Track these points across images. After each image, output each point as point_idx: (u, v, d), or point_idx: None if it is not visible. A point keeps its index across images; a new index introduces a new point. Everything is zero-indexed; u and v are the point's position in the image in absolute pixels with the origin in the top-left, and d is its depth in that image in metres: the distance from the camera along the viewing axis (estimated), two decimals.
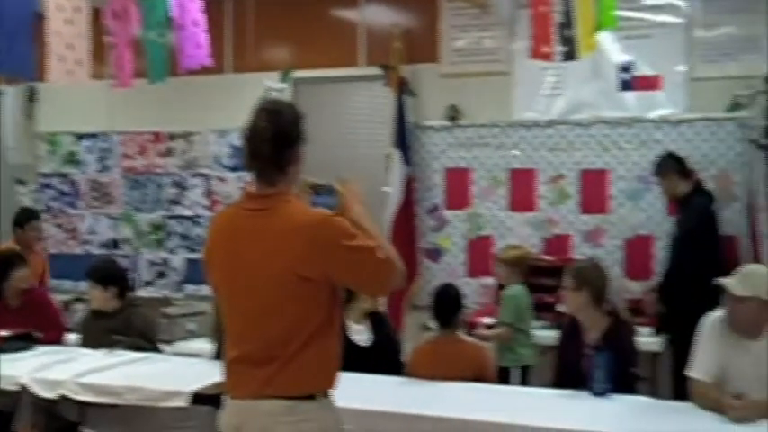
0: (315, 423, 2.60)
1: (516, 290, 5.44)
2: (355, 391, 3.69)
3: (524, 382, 5.31)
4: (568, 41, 3.73)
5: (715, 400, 3.56)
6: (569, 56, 3.69)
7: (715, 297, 3.80)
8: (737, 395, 3.49)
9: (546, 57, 3.65)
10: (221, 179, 7.33)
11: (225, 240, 2.69)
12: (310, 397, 2.60)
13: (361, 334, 4.50)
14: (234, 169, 7.16)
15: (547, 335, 5.52)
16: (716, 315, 3.79)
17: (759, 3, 5.74)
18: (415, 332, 5.93)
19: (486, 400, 3.89)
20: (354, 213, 2.71)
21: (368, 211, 2.75)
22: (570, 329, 4.32)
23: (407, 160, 6.57)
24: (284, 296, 2.56)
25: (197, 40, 5.49)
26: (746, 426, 3.36)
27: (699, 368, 3.73)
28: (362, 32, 6.93)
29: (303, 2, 6.90)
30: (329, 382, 2.66)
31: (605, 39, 6.02)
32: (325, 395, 2.65)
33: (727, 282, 3.66)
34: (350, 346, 4.36)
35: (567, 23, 3.73)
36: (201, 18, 5.55)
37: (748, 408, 3.42)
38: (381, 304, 5.24)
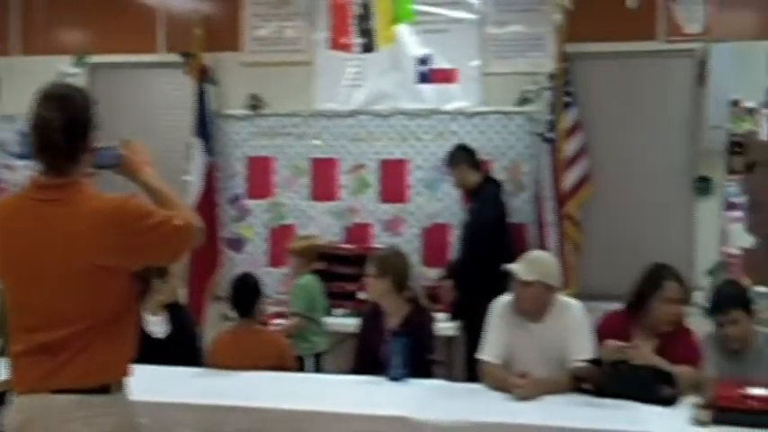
0: (109, 418, 2.51)
1: (307, 279, 5.52)
2: (151, 383, 3.62)
3: (318, 369, 5.40)
4: (367, 33, 3.79)
5: (502, 380, 3.76)
6: (368, 48, 3.75)
7: (505, 283, 4.00)
8: (522, 374, 3.70)
9: (345, 48, 3.70)
10: (9, 167, 6.94)
11: (9, 231, 2.54)
12: (104, 390, 2.52)
13: (157, 326, 4.40)
14: (22, 157, 6.79)
15: (348, 322, 5.61)
16: (504, 300, 3.99)
17: (545, 3, 6.05)
18: (217, 322, 5.86)
19: (287, 389, 3.92)
20: (144, 176, 2.63)
21: (157, 171, 2.67)
22: (371, 316, 4.40)
23: (209, 149, 6.48)
24: (78, 286, 2.47)
25: None
26: (532, 402, 3.57)
27: (488, 351, 3.92)
28: (162, 18, 6.75)
29: None
30: (123, 373, 2.59)
31: (404, 32, 6.22)
32: (120, 388, 2.58)
33: (513, 267, 3.86)
34: (146, 338, 4.26)
35: (366, 15, 3.78)
36: None
37: (531, 386, 3.64)
38: (181, 295, 5.15)
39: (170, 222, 2.49)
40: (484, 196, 5.78)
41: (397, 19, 3.81)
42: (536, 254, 4.06)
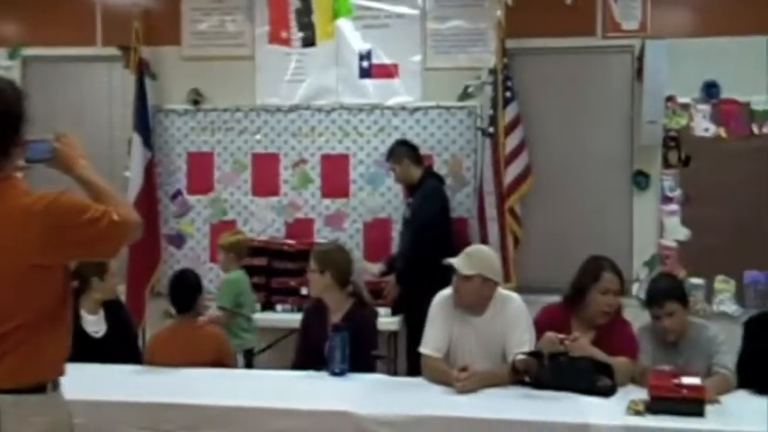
0: (45, 417, 2.47)
1: (235, 275, 5.51)
2: (88, 382, 3.59)
3: (248, 366, 5.39)
4: (307, 28, 3.78)
5: (443, 374, 3.78)
6: (309, 42, 3.74)
7: (446, 277, 4.01)
8: (463, 368, 3.73)
9: (285, 42, 3.68)
10: None
11: None
12: (39, 390, 2.47)
13: (95, 324, 4.33)
14: None
15: (291, 318, 5.61)
16: (444, 293, 4.01)
17: None
18: (158, 319, 5.81)
19: (227, 385, 3.90)
20: (79, 169, 2.57)
21: (92, 165, 2.63)
22: (314, 311, 4.40)
23: (149, 144, 6.40)
24: (11, 284, 2.41)
25: None
26: (472, 395, 3.60)
27: (428, 344, 3.94)
28: (100, 11, 6.64)
29: None
30: (57, 372, 2.55)
31: (347, 27, 6.22)
32: (55, 387, 2.53)
33: (453, 261, 3.89)
34: (84, 337, 4.22)
35: (306, 10, 3.77)
36: None
37: (471, 379, 3.67)
38: (120, 292, 5.09)
39: (106, 217, 2.44)
40: (425, 191, 5.79)
41: (336, 14, 3.79)
42: (476, 248, 4.09)
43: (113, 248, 2.57)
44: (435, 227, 5.64)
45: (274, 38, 3.61)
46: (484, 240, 5.75)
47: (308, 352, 4.28)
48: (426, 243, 5.51)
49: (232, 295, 5.39)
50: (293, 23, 3.64)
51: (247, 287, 5.53)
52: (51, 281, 2.49)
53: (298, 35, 3.66)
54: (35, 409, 2.45)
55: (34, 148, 2.53)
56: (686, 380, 3.32)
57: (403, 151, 5.89)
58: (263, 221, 6.41)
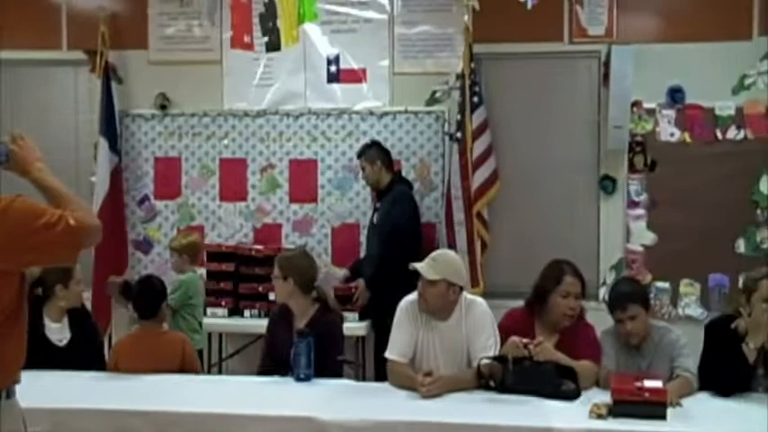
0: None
1: (188, 276, 5.51)
2: (51, 389, 3.57)
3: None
4: (271, 32, 3.76)
5: (408, 378, 3.79)
6: (273, 46, 3.73)
7: (414, 282, 4.01)
8: (427, 372, 3.73)
9: (247, 47, 3.66)
10: None
11: None
12: None
13: (58, 333, 4.29)
14: None
15: (259, 323, 5.58)
16: (410, 298, 4.02)
17: (454, 3, 6.09)
18: (125, 326, 5.75)
19: (191, 391, 3.89)
20: (35, 172, 2.55)
21: (56, 168, 2.60)
22: (280, 317, 4.38)
23: (115, 149, 6.35)
24: None
25: None
26: (437, 399, 3.60)
27: (394, 349, 3.95)
28: (66, 14, 6.57)
29: None
30: (12, 379, 2.52)
31: (315, 31, 6.23)
32: (9, 395, 2.50)
33: (418, 266, 3.90)
34: (47, 345, 4.19)
35: (270, 15, 3.76)
36: None
37: (436, 383, 3.68)
38: (85, 299, 5.05)
39: (62, 221, 2.41)
40: (395, 195, 5.79)
41: (301, 18, 3.78)
42: (441, 252, 4.10)
43: (71, 253, 2.54)
44: (405, 232, 5.63)
45: (237, 42, 3.58)
46: (451, 245, 5.75)
47: (274, 357, 4.27)
48: (396, 248, 5.47)
49: (180, 295, 5.37)
50: (256, 28, 3.62)
51: (198, 289, 5.54)
52: (7, 287, 2.46)
53: (261, 40, 3.62)
54: None
55: None
56: (648, 383, 3.36)
57: (376, 153, 5.88)
58: (230, 227, 6.39)
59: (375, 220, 5.89)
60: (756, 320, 3.67)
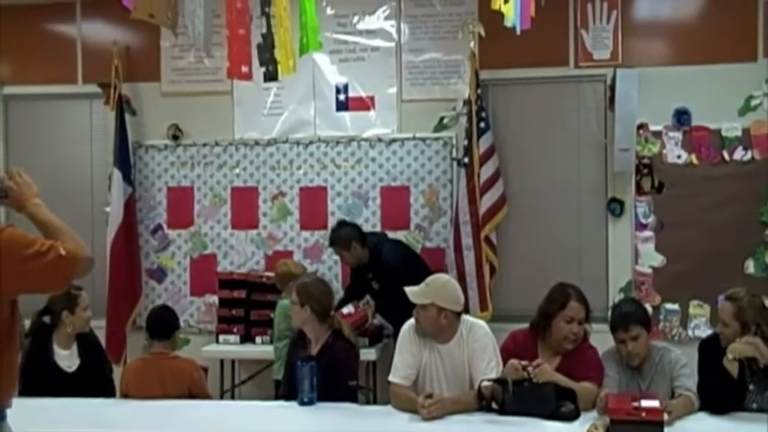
0: None
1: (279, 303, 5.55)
2: (58, 415, 3.62)
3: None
4: (268, 63, 3.81)
5: (410, 401, 3.82)
6: (270, 77, 3.79)
7: None
8: (428, 394, 3.76)
9: (245, 77, 3.73)
10: None
11: None
12: None
13: (67, 359, 4.34)
14: None
15: (270, 350, 5.66)
16: (411, 322, 4.05)
17: (460, 30, 6.14)
18: (139, 354, 5.82)
19: (197, 416, 3.93)
20: (31, 207, 2.64)
21: (43, 202, 2.68)
22: (296, 343, 4.42)
23: (129, 179, 6.46)
24: None
25: None
26: (438, 421, 3.62)
27: (396, 372, 3.98)
28: (80, 49, 6.73)
29: (15, 14, 6.54)
30: (3, 404, 2.58)
31: (323, 61, 6.34)
32: (1, 419, 2.56)
33: (409, 291, 3.94)
34: (56, 371, 4.25)
35: (267, 45, 3.81)
36: None
37: (437, 406, 3.70)
38: (99, 327, 5.12)
39: (53, 251, 2.49)
40: (386, 258, 5.71)
41: (304, 48, 3.84)
42: (434, 277, 4.10)
43: (60, 282, 2.63)
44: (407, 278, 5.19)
45: (234, 72, 3.64)
46: (460, 270, 5.80)
47: (290, 380, 4.28)
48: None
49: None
50: (254, 58, 3.69)
51: (281, 316, 5.53)
52: None
53: (260, 70, 3.70)
54: None
55: None
56: (645, 403, 3.36)
57: (348, 234, 5.77)
58: (242, 254, 6.46)
59: (375, 286, 5.81)
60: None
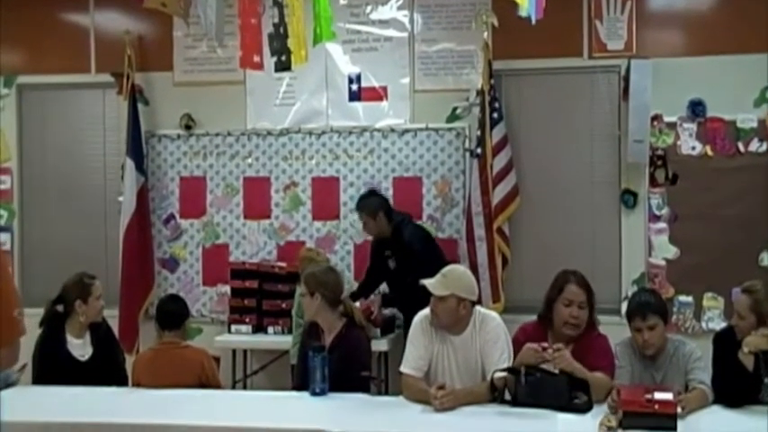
0: None
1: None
2: (69, 403, 3.63)
3: None
4: (280, 52, 3.80)
5: (422, 392, 3.81)
6: (282, 66, 3.78)
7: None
8: (440, 385, 3.75)
9: (257, 66, 3.72)
10: None
11: None
12: None
13: (80, 348, 4.36)
14: None
15: (282, 340, 5.66)
16: (424, 313, 4.04)
17: (473, 21, 6.13)
18: (152, 343, 5.84)
19: (209, 405, 3.94)
20: None
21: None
22: (309, 334, 4.40)
23: (141, 169, 6.46)
24: None
25: None
26: (450, 413, 3.61)
27: (408, 364, 3.98)
28: (93, 38, 6.72)
29: (28, 3, 6.57)
30: None
31: (336, 51, 6.32)
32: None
33: (428, 282, 3.92)
34: (69, 360, 4.27)
35: (279, 35, 3.80)
36: None
37: (449, 397, 3.69)
38: (112, 317, 5.14)
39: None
40: (408, 238, 5.68)
41: (317, 38, 3.83)
42: (451, 268, 4.09)
43: None
44: (424, 264, 5.07)
45: (246, 62, 3.64)
46: (472, 261, 5.78)
47: (305, 373, 4.28)
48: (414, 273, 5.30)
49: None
50: (266, 47, 3.68)
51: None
52: None
53: (271, 59, 3.69)
54: None
55: None
56: (658, 395, 3.34)
57: (376, 203, 5.78)
58: (254, 244, 6.46)
59: (392, 266, 5.80)
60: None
